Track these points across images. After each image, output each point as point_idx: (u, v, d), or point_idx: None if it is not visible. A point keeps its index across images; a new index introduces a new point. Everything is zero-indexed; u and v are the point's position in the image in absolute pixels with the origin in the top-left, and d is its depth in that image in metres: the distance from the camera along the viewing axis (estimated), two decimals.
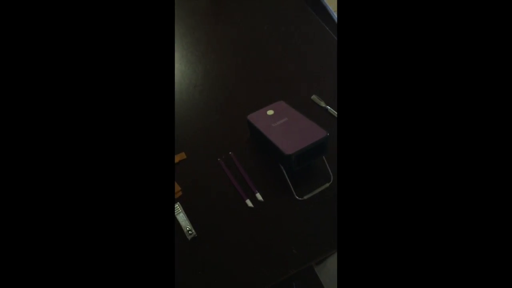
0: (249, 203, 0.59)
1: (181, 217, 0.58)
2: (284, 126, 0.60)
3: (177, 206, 0.59)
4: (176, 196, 0.61)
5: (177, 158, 0.65)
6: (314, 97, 0.75)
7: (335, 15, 1.02)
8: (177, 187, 0.61)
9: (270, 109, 0.65)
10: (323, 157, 0.63)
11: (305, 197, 0.60)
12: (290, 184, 0.60)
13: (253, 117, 0.64)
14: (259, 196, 0.60)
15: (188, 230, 0.56)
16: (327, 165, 0.63)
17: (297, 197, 0.60)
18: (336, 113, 0.72)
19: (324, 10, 1.02)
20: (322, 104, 0.73)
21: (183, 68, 0.80)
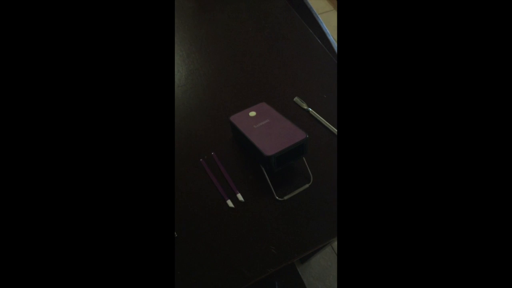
0: (230, 203, 0.60)
1: None
2: (265, 127, 0.61)
3: None
4: None
5: None
6: (296, 99, 0.76)
7: (319, 18, 1.04)
8: None
9: (252, 110, 0.66)
10: (303, 158, 0.64)
11: (285, 198, 0.61)
12: (271, 185, 0.61)
13: (235, 118, 0.65)
14: (240, 197, 0.61)
15: None
16: (307, 166, 0.64)
17: (277, 198, 0.61)
18: (318, 114, 0.73)
19: (308, 13, 1.04)
20: (304, 106, 0.75)
21: None
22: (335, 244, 1.50)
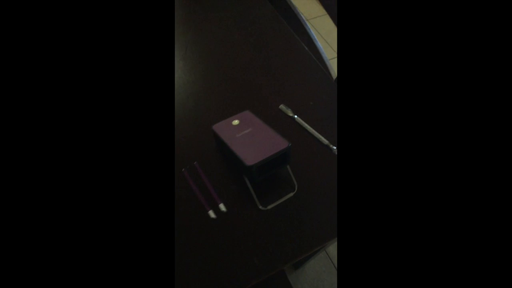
0: (211, 214, 0.59)
1: None
2: (248, 136, 0.61)
3: None
4: None
5: None
6: (282, 106, 0.76)
7: (307, 24, 1.04)
8: None
9: (236, 119, 0.65)
10: (288, 166, 0.64)
11: (269, 207, 0.61)
12: (254, 194, 0.61)
13: (218, 127, 0.64)
14: (222, 207, 0.60)
15: None
16: (292, 174, 0.64)
17: (260, 207, 0.60)
18: (304, 121, 0.73)
19: (296, 19, 1.04)
20: (290, 113, 0.74)
21: None
22: (328, 249, 1.49)
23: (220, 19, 0.93)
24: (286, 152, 0.57)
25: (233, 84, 0.79)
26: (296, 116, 0.74)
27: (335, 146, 0.70)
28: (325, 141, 0.70)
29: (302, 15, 1.07)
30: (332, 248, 1.49)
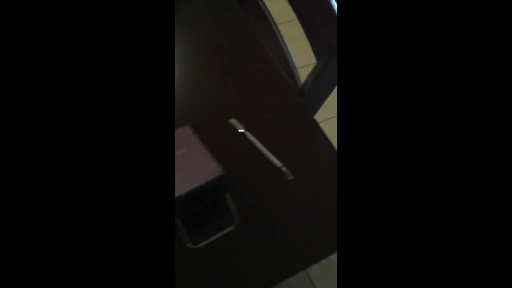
0: None
1: None
2: (178, 160, 0.51)
3: None
4: None
5: None
6: (233, 120, 0.66)
7: (279, 28, 0.94)
8: None
9: None
10: (228, 195, 0.54)
11: (200, 245, 0.51)
12: (181, 229, 0.51)
13: None
14: None
15: None
16: (232, 205, 0.54)
17: (189, 245, 0.50)
18: (255, 138, 0.63)
19: (266, 21, 0.94)
20: (240, 129, 0.64)
21: None
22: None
23: (177, 16, 0.83)
24: (218, 182, 0.48)
25: (178, 92, 0.69)
26: (248, 133, 0.64)
27: (289, 169, 0.60)
28: (278, 163, 0.61)
29: (274, 18, 0.98)
30: (315, 266, 1.40)
